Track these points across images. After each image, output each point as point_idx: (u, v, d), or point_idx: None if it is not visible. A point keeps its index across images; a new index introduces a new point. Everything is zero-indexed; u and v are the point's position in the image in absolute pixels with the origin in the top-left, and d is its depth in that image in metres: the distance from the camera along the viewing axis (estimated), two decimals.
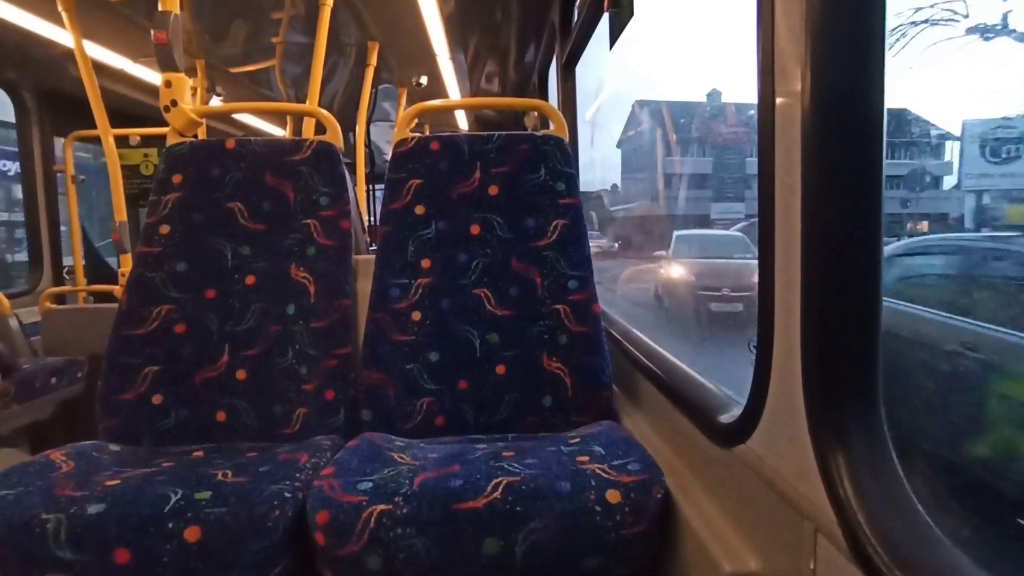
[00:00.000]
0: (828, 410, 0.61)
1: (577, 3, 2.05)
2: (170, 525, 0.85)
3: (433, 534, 0.84)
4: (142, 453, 1.13)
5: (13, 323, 2.21)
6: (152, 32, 1.45)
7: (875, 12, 0.58)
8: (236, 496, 0.89)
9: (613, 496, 0.86)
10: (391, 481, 0.90)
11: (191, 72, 3.00)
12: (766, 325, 0.70)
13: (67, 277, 2.98)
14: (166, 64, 1.47)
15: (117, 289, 2.40)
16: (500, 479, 0.89)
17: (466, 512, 0.85)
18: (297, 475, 0.96)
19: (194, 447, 1.16)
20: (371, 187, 4.30)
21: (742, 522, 0.78)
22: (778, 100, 0.65)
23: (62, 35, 2.36)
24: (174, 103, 1.46)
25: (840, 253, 0.60)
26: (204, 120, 1.53)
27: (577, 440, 1.06)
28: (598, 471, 0.90)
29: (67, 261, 3.02)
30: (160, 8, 1.48)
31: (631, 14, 1.47)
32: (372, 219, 4.17)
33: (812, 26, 0.59)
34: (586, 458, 0.95)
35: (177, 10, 1.49)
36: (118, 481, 0.94)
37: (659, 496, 0.88)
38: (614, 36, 1.60)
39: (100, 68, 2.46)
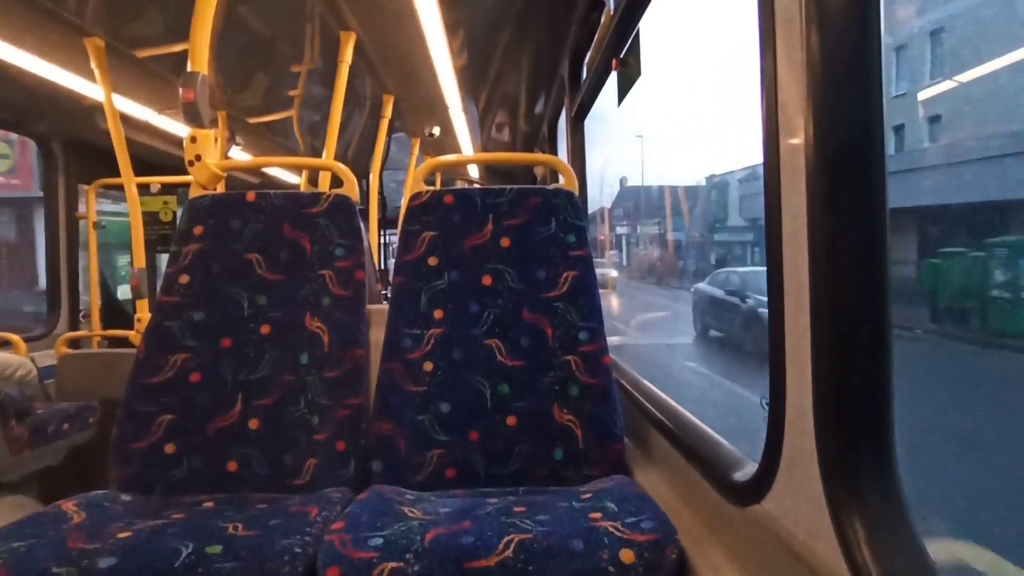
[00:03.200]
0: (843, 470, 0.61)
1: (586, 60, 2.13)
2: None
3: None
4: (153, 503, 1.13)
5: (29, 366, 2.24)
6: (180, 91, 1.52)
7: (873, 62, 0.60)
8: (247, 551, 0.89)
9: (627, 556, 0.85)
10: (402, 537, 0.89)
11: (212, 122, 3.11)
12: (777, 382, 0.70)
13: (83, 320, 3.03)
14: (192, 120, 1.53)
15: (132, 334, 2.44)
16: (512, 536, 0.88)
17: (478, 571, 0.84)
18: (308, 529, 0.95)
19: (204, 497, 1.16)
20: (383, 232, 4.38)
21: None
22: (782, 158, 0.67)
23: (90, 88, 2.46)
24: (198, 158, 1.51)
25: (849, 308, 0.61)
26: (226, 173, 1.59)
27: (589, 495, 1.05)
28: (611, 529, 0.89)
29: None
30: (189, 68, 1.55)
31: (639, 73, 1.53)
32: (384, 264, 4.22)
33: (814, 77, 0.61)
34: (599, 515, 0.94)
35: (205, 71, 1.56)
36: (129, 533, 0.94)
37: (674, 556, 0.86)
38: (622, 93, 1.66)
39: (125, 119, 2.56)
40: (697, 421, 1.09)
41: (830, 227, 0.61)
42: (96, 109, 2.43)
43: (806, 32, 0.62)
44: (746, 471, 0.82)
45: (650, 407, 1.25)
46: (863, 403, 0.61)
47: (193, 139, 1.53)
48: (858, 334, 0.61)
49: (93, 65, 2.17)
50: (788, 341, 0.68)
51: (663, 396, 1.29)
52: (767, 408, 0.74)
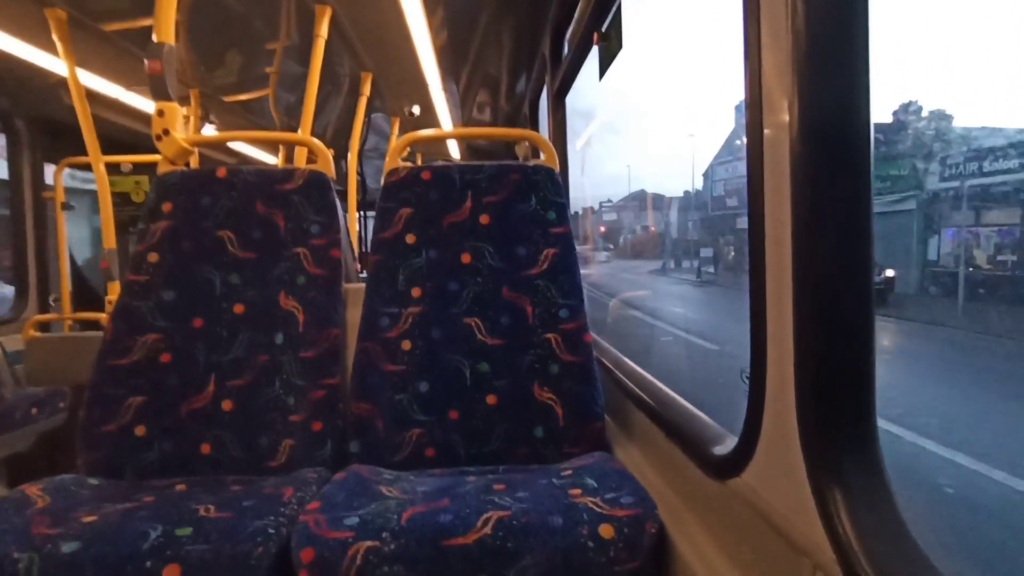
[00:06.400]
0: (824, 444, 0.60)
1: (567, 36, 2.09)
2: (148, 564, 0.82)
3: (422, 572, 0.82)
4: (122, 487, 1.10)
5: None
6: (146, 62, 1.46)
7: (859, 45, 0.59)
8: (218, 532, 0.86)
9: (606, 531, 0.84)
10: (378, 516, 0.88)
11: (185, 101, 3.02)
12: (759, 356, 0.70)
13: (53, 304, 2.95)
14: (159, 94, 1.47)
15: (104, 317, 2.38)
16: (491, 514, 0.87)
17: (456, 549, 0.83)
18: (282, 510, 0.93)
19: (177, 480, 1.13)
20: (362, 214, 4.32)
21: (738, 558, 0.76)
22: (766, 133, 0.66)
23: (55, 63, 2.37)
24: (166, 132, 1.46)
25: (831, 285, 0.60)
26: (196, 149, 1.53)
27: (569, 472, 1.04)
28: (591, 505, 0.88)
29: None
30: (155, 39, 1.49)
31: (620, 47, 1.50)
32: (363, 247, 4.17)
33: (798, 60, 0.60)
34: (578, 491, 0.94)
35: (172, 42, 1.50)
36: (95, 517, 0.91)
37: (653, 531, 0.86)
38: (603, 67, 1.63)
39: (92, 96, 2.47)
40: (678, 397, 1.08)
41: (813, 204, 0.60)
42: (62, 85, 2.35)
43: (791, 10, 0.60)
44: (726, 445, 0.81)
45: (630, 384, 1.24)
46: (844, 378, 0.61)
47: (160, 113, 1.47)
48: (840, 310, 0.60)
49: (55, 38, 2.09)
50: (769, 316, 0.67)
51: (644, 373, 1.28)
52: (747, 382, 0.73)
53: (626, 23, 1.50)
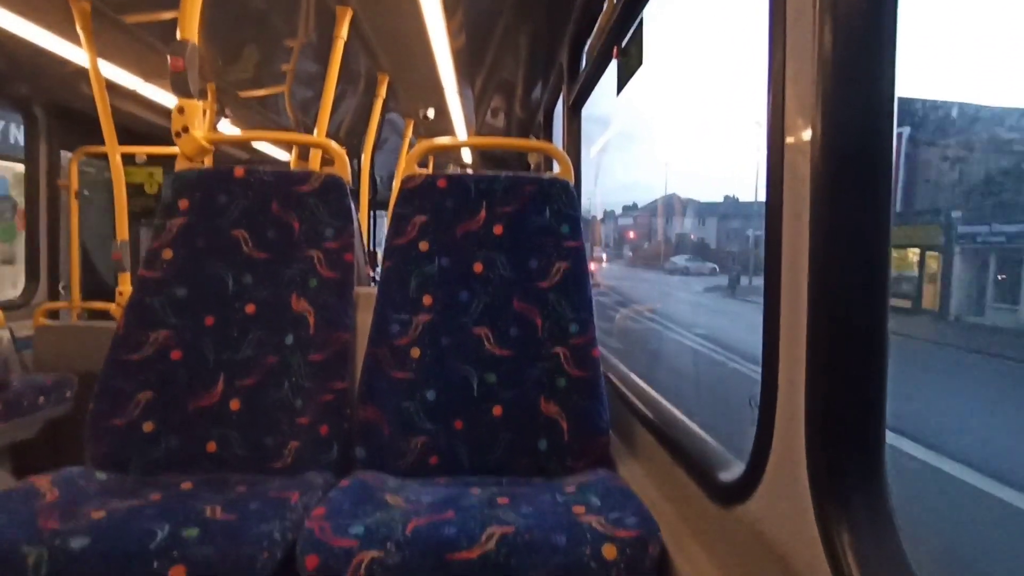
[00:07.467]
0: (832, 477, 0.60)
1: (586, 48, 2.10)
2: (155, 564, 0.83)
3: None
4: (129, 483, 1.11)
5: (5, 336, 2.19)
6: (169, 59, 1.47)
7: (886, 62, 0.59)
8: (224, 535, 0.87)
9: (609, 551, 0.85)
10: (383, 525, 0.88)
11: (201, 94, 3.04)
12: (770, 386, 0.69)
13: (62, 291, 2.97)
14: (181, 90, 1.48)
15: (113, 307, 2.39)
16: (494, 529, 0.87)
17: (459, 563, 0.83)
18: (287, 514, 0.94)
19: (183, 478, 1.14)
20: (372, 213, 4.34)
21: None
22: (787, 153, 0.66)
23: (74, 52, 2.39)
24: (186, 129, 1.47)
25: (847, 315, 0.60)
26: (214, 147, 1.54)
27: (573, 489, 1.05)
28: (594, 524, 0.89)
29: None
30: (179, 36, 1.50)
31: (639, 63, 1.51)
32: (372, 246, 4.19)
33: (824, 76, 0.60)
34: (582, 509, 0.94)
35: (195, 40, 1.51)
36: (103, 513, 0.92)
37: (655, 553, 0.86)
38: (622, 83, 1.63)
39: (110, 86, 2.49)
40: (684, 418, 1.08)
41: (832, 232, 0.60)
42: (80, 74, 2.36)
43: (819, 27, 0.60)
44: (732, 471, 0.81)
45: (636, 402, 1.24)
46: (855, 411, 0.60)
47: (181, 110, 1.48)
48: (854, 341, 0.60)
49: (79, 29, 2.11)
50: (783, 344, 0.67)
51: (651, 391, 1.29)
52: (756, 408, 0.73)
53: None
